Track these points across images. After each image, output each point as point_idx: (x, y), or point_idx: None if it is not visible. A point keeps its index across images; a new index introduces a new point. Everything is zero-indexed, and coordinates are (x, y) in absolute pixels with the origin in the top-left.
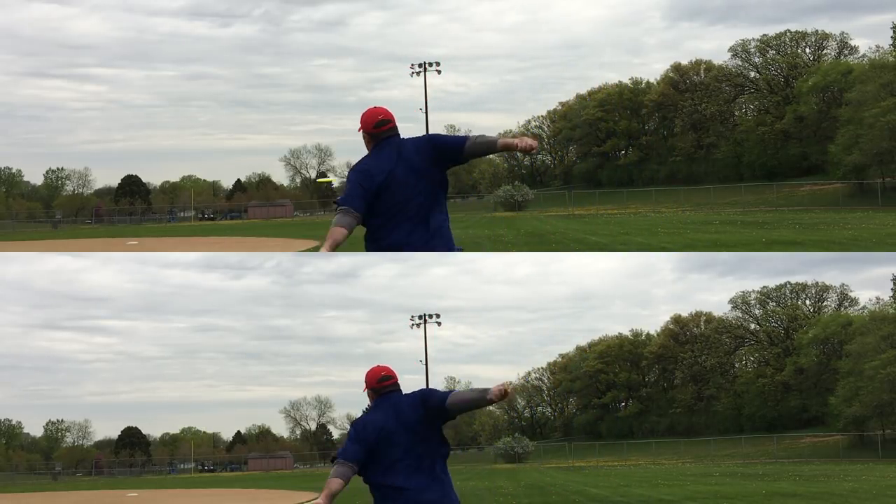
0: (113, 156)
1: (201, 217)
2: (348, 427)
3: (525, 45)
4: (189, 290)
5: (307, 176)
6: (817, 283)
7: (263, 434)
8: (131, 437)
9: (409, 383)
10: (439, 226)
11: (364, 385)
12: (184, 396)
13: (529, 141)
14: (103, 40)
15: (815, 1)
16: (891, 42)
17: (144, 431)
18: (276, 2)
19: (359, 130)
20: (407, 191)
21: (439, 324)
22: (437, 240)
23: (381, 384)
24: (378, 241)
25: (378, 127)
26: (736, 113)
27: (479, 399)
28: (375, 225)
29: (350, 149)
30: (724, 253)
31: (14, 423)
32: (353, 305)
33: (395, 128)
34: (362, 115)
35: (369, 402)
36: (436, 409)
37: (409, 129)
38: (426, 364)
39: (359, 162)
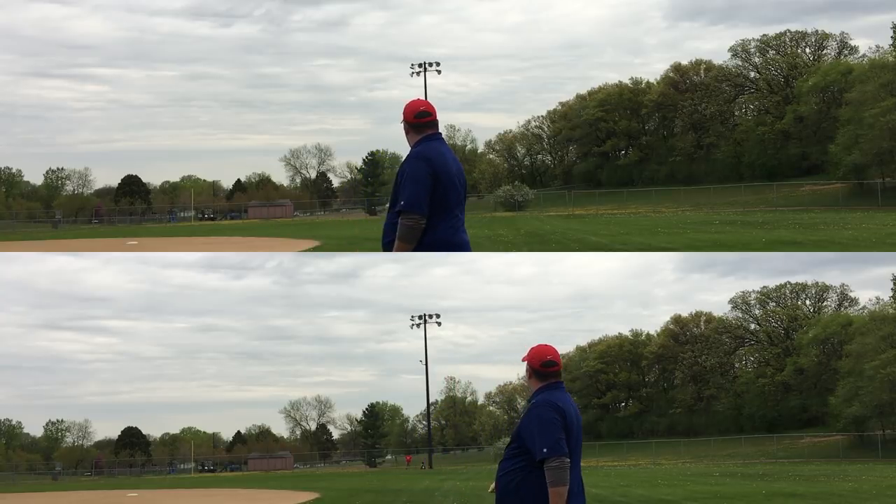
0: (113, 156)
1: (201, 217)
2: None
3: (526, 46)
4: (190, 290)
5: (307, 176)
6: (817, 283)
7: (263, 434)
8: (131, 437)
9: (410, 383)
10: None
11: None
12: (184, 396)
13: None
14: (104, 40)
15: (815, 1)
16: (891, 42)
17: (144, 431)
18: (278, 2)
19: (400, 122)
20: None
21: (439, 324)
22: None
23: (546, 369)
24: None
25: (419, 118)
26: (736, 113)
27: None
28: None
29: (350, 149)
30: (725, 253)
31: (14, 423)
32: (353, 305)
33: (436, 122)
34: (404, 107)
35: (530, 381)
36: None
37: None
38: (426, 364)
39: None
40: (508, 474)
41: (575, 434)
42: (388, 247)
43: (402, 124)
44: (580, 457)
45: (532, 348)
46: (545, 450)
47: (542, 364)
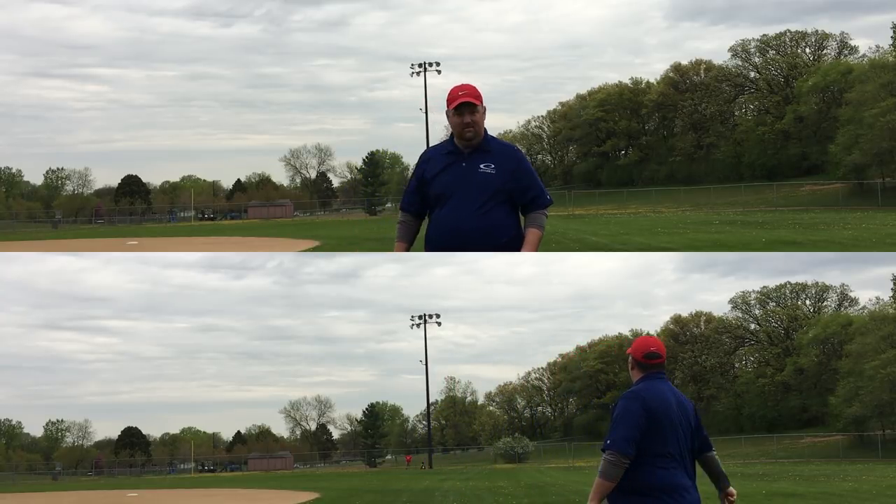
0: (113, 156)
1: (201, 217)
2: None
3: (526, 46)
4: (190, 290)
5: (307, 176)
6: (817, 283)
7: (263, 434)
8: (131, 437)
9: (410, 383)
10: None
11: (631, 352)
12: (184, 396)
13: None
14: (105, 40)
15: (815, 1)
16: (891, 42)
17: (144, 431)
18: (278, 2)
19: (481, 103)
20: None
21: (439, 324)
22: None
23: (648, 360)
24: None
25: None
26: (736, 113)
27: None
28: None
29: (350, 149)
30: (725, 253)
31: (14, 423)
32: (354, 305)
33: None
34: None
35: (632, 373)
36: (698, 438)
37: (409, 128)
38: (426, 364)
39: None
40: None
41: (673, 424)
42: None
43: (481, 110)
44: (688, 447)
45: (636, 340)
46: (608, 441)
47: (645, 356)
